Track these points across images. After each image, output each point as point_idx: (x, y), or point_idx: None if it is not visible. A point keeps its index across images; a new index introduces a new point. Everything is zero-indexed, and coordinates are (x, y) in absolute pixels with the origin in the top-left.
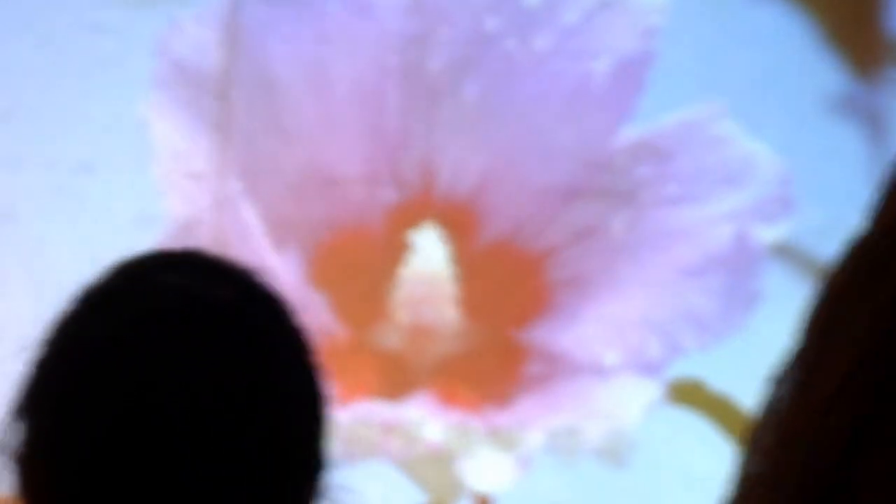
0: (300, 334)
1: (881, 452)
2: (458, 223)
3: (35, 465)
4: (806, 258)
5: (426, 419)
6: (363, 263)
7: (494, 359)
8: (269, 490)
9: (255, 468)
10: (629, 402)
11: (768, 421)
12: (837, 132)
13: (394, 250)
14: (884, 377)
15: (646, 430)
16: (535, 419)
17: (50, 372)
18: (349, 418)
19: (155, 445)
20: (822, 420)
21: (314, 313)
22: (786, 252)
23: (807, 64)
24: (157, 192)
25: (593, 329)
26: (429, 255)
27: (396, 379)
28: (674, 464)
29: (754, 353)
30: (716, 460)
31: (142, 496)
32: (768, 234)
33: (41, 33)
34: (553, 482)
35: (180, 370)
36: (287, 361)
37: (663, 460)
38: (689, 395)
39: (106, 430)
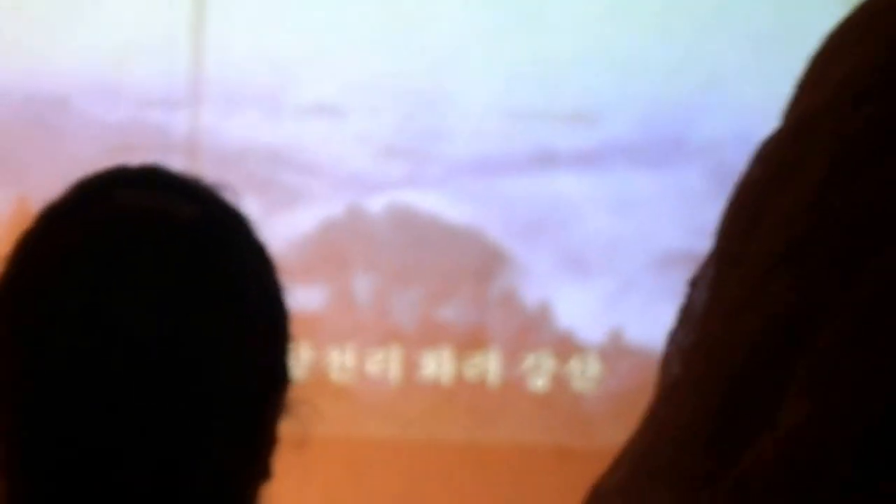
0: (263, 251)
1: (792, 352)
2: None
3: None
4: None
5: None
6: None
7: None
8: (232, 405)
9: (218, 385)
10: (581, 316)
11: (685, 323)
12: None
13: None
14: (798, 276)
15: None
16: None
17: (7, 289)
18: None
19: (111, 363)
20: (736, 320)
21: None
22: None
23: None
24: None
25: (550, 252)
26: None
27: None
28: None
29: None
30: None
31: (96, 412)
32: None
33: None
34: (509, 394)
35: (139, 288)
36: (249, 278)
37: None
38: None
39: (59, 347)
